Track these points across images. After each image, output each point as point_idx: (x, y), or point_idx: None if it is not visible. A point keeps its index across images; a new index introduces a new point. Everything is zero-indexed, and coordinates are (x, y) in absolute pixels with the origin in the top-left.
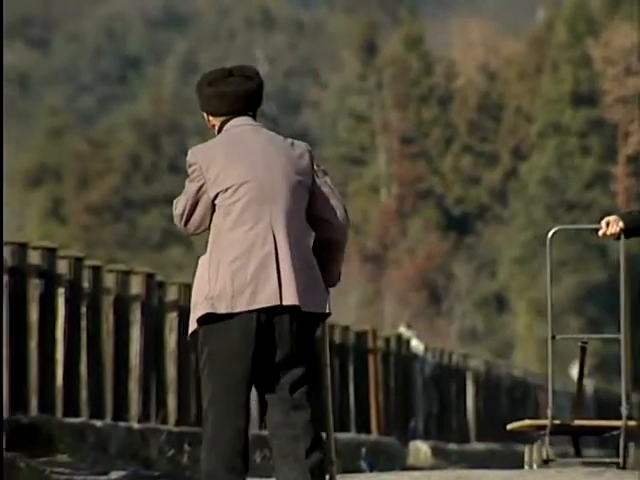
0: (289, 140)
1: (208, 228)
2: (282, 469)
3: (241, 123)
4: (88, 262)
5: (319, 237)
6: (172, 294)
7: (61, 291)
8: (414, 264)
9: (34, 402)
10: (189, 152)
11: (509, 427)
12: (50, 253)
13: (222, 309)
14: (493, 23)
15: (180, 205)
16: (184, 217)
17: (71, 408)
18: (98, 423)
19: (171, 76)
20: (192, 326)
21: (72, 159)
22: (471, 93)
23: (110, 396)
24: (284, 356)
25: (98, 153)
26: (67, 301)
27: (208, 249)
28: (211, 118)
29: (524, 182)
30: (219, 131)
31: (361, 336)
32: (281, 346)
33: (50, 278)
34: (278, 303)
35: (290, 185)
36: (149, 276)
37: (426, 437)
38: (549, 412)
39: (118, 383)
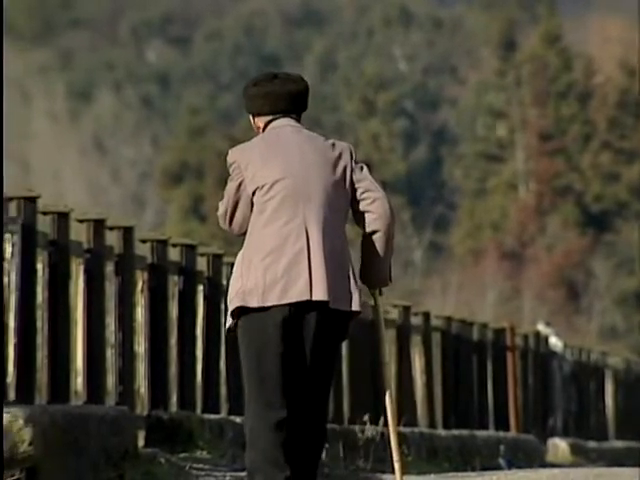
0: (330, 141)
1: None
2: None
3: (282, 124)
4: (227, 259)
5: (365, 231)
6: None
7: (200, 288)
8: (552, 261)
9: (174, 398)
10: (229, 152)
11: None
12: (190, 250)
13: (254, 303)
14: (631, 19)
15: (222, 206)
16: (227, 217)
17: (210, 404)
18: (237, 419)
19: (309, 74)
20: (228, 321)
21: (212, 157)
22: (610, 89)
23: None
24: (309, 352)
25: None
26: (206, 298)
27: (244, 245)
28: (256, 119)
29: None
30: (263, 131)
31: (499, 333)
32: (308, 341)
33: (189, 275)
34: (308, 298)
35: (326, 183)
36: None
37: (565, 434)
38: None
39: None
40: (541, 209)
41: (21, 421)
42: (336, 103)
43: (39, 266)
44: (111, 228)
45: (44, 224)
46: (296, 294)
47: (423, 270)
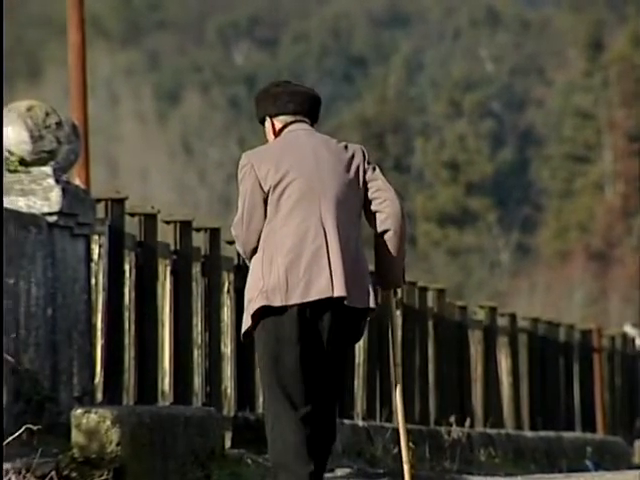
0: (343, 143)
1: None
2: None
3: (296, 128)
4: None
5: (376, 231)
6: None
7: None
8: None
9: (260, 399)
10: (242, 156)
11: None
12: None
13: (277, 302)
14: None
15: (237, 217)
16: (244, 221)
17: None
18: None
19: (396, 75)
20: (246, 324)
21: None
22: None
23: None
24: (324, 348)
25: None
26: None
27: (259, 247)
28: (274, 121)
29: None
30: (277, 137)
31: (586, 334)
32: (323, 338)
33: None
34: (330, 295)
35: (340, 182)
36: None
37: None
38: None
39: (344, 380)
40: (628, 210)
41: (109, 422)
42: (423, 104)
43: (126, 267)
44: (198, 229)
45: (131, 225)
46: (318, 292)
47: (510, 271)
